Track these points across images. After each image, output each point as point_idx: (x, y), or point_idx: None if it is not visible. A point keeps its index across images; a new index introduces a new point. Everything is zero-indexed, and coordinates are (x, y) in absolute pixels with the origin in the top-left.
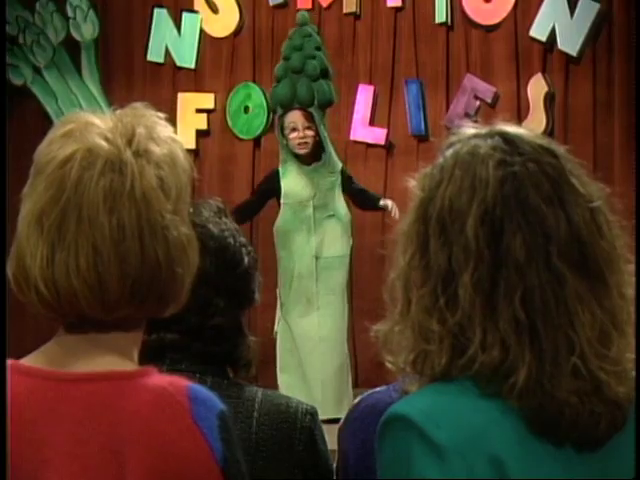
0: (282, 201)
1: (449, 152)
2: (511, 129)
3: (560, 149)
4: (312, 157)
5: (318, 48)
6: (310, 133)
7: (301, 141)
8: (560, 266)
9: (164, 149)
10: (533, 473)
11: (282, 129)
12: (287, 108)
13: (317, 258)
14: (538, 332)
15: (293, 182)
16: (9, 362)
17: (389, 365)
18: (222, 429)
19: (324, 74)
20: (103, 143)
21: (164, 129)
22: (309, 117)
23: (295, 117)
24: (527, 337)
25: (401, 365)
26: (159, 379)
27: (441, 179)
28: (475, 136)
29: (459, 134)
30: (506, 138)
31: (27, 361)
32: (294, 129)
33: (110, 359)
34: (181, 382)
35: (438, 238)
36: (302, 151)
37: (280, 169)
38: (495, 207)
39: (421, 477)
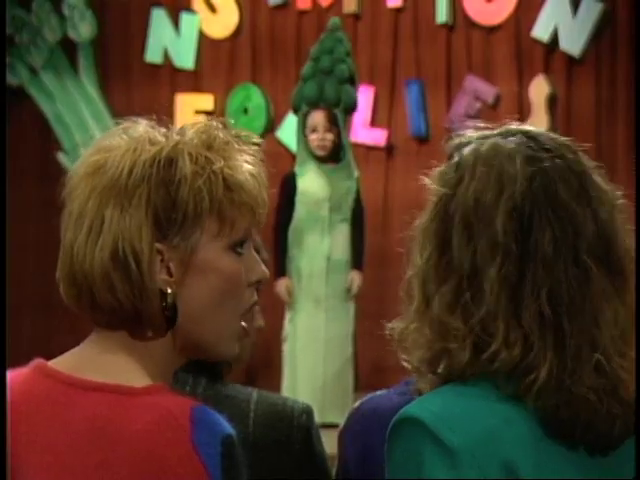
0: (297, 199)
1: (466, 150)
2: (529, 127)
3: (577, 148)
4: (331, 159)
5: (348, 54)
6: (329, 136)
7: (320, 143)
8: (588, 262)
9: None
10: (546, 477)
11: (303, 128)
12: (312, 107)
13: (329, 259)
14: (562, 328)
15: (310, 181)
16: (36, 362)
17: (404, 363)
18: (225, 456)
19: (351, 80)
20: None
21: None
22: (332, 119)
23: (318, 119)
24: (551, 333)
25: (416, 363)
26: (165, 399)
27: (461, 176)
28: (490, 135)
29: (466, 136)
30: (528, 135)
31: (56, 362)
32: (314, 130)
33: (122, 367)
34: (187, 404)
35: (462, 235)
36: (320, 152)
37: (296, 169)
38: (524, 203)
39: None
